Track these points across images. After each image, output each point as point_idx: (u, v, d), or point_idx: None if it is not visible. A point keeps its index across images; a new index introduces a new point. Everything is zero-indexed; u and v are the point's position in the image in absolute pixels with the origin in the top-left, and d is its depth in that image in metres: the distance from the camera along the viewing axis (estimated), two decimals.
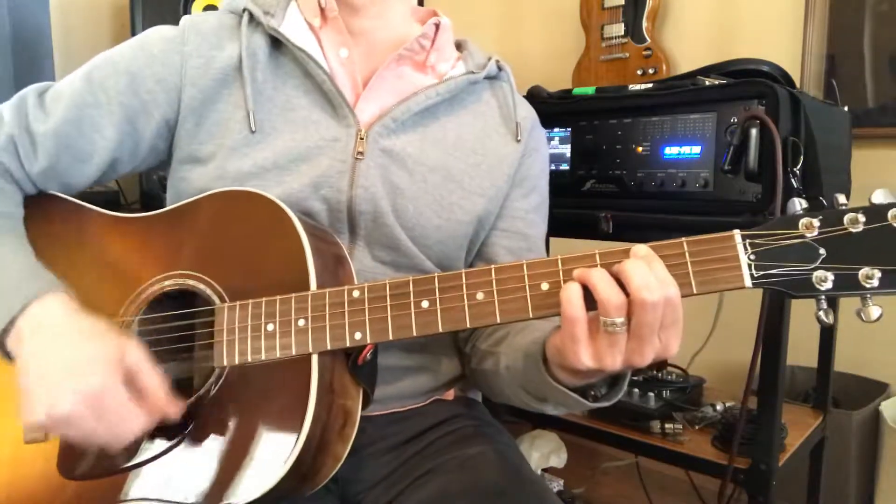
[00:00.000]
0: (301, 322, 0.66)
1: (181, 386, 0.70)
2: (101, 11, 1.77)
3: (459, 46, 0.92)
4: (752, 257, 0.57)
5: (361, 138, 0.80)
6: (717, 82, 1.14)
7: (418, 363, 0.86)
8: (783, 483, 1.13)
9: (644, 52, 1.94)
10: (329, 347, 0.65)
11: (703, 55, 1.86)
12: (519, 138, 0.88)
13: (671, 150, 1.15)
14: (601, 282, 0.57)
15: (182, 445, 0.68)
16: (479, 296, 0.62)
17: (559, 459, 1.72)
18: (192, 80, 0.79)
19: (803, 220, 0.57)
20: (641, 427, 1.28)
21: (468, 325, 0.63)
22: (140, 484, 0.67)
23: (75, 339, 0.64)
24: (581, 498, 1.80)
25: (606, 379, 0.69)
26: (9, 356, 0.67)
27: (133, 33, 1.53)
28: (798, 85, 1.53)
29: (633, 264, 0.57)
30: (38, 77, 1.40)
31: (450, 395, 0.91)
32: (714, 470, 1.17)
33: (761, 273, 0.57)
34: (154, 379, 0.64)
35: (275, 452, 0.64)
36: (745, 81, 1.10)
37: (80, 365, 0.62)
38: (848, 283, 0.55)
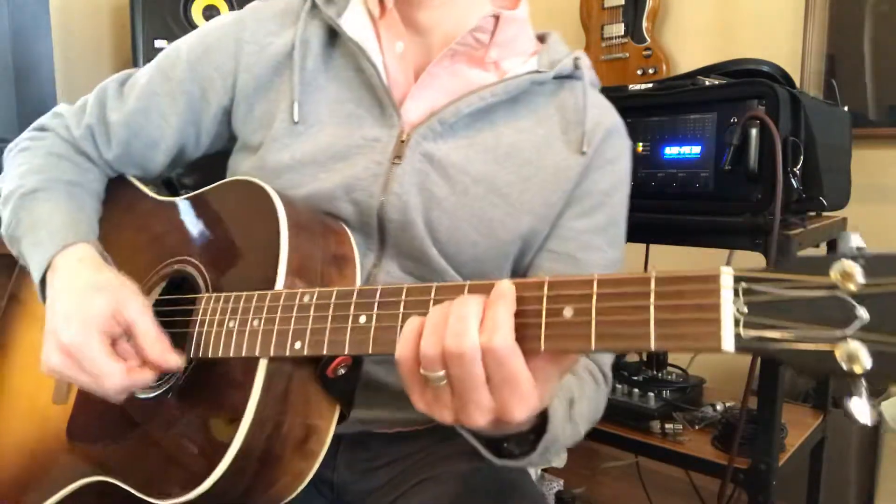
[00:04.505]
0: (255, 322, 0.62)
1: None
2: (101, 11, 1.77)
3: (543, 39, 0.83)
4: (744, 309, 0.40)
5: (402, 141, 0.74)
6: (717, 82, 1.14)
7: None
8: (783, 483, 1.12)
9: (644, 52, 1.94)
10: (272, 353, 0.60)
11: (703, 55, 1.86)
12: (584, 150, 0.76)
13: (671, 150, 1.15)
14: (429, 324, 0.49)
15: (144, 432, 0.68)
16: (414, 315, 0.52)
17: (559, 459, 1.72)
18: (246, 66, 0.78)
19: (839, 265, 0.38)
20: (641, 427, 1.28)
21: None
22: (108, 463, 0.69)
23: (77, 290, 0.67)
24: (581, 498, 1.80)
25: (526, 436, 0.59)
26: None
27: (133, 33, 1.52)
28: (798, 85, 1.53)
29: (459, 304, 0.48)
30: (38, 77, 1.40)
31: None
32: (714, 470, 1.17)
33: (753, 334, 0.40)
34: (148, 332, 0.64)
35: (208, 458, 0.60)
36: (745, 81, 1.10)
37: (66, 318, 0.64)
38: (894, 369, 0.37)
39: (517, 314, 0.48)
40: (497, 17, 0.75)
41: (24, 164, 0.80)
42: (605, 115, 0.79)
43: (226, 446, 0.59)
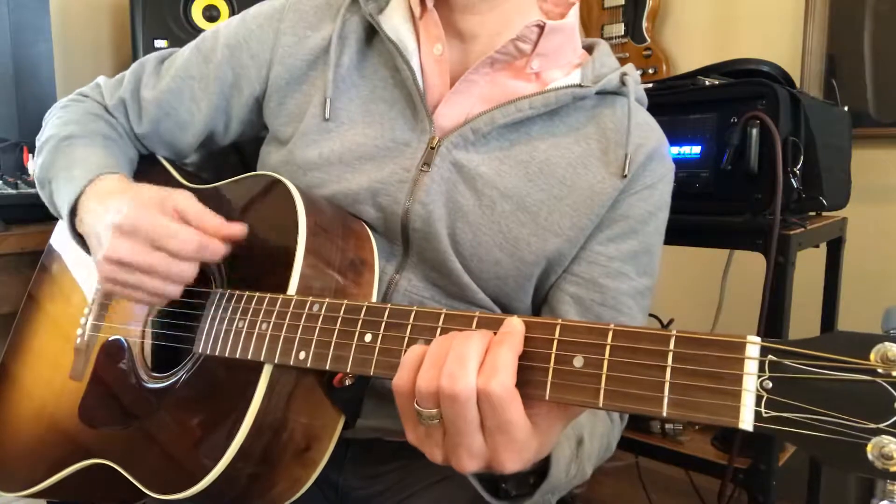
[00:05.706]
0: (263, 326, 0.61)
1: (170, 364, 0.70)
2: (101, 11, 1.77)
3: (590, 50, 0.79)
4: (768, 385, 0.38)
5: (432, 148, 0.72)
6: (717, 82, 1.14)
7: None
8: (783, 483, 1.12)
9: (644, 52, 1.94)
10: (276, 361, 0.59)
11: (703, 55, 1.86)
12: (626, 173, 0.71)
13: (671, 150, 1.15)
14: (429, 357, 0.47)
15: (148, 423, 0.67)
16: (420, 342, 0.51)
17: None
18: (281, 58, 0.77)
19: (882, 347, 0.35)
20: (641, 427, 1.28)
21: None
22: (112, 449, 0.69)
23: (118, 192, 0.67)
24: (581, 498, 1.80)
25: (526, 477, 0.56)
26: (81, 238, 0.71)
27: (133, 33, 1.52)
28: (798, 85, 1.53)
29: (460, 340, 0.46)
30: (38, 77, 1.40)
31: None
32: (714, 470, 1.17)
33: (775, 414, 0.37)
34: (203, 211, 0.63)
35: (205, 458, 0.60)
36: (745, 81, 1.10)
37: (117, 209, 0.63)
38: None
39: (524, 356, 0.46)
40: (542, 27, 0.71)
41: (62, 117, 0.82)
42: (649, 137, 0.75)
43: (223, 448, 0.59)
